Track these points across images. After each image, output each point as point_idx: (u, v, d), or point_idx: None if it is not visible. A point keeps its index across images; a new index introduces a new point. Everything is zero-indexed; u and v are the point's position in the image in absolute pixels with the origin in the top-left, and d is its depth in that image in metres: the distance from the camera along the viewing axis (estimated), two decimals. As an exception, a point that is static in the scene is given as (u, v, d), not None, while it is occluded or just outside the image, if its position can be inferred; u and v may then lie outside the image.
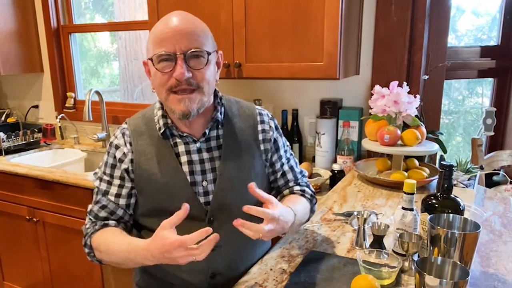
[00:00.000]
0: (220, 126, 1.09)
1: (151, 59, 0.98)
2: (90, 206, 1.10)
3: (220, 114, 1.08)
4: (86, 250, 1.08)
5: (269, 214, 0.89)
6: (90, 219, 1.09)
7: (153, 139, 1.06)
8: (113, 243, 1.01)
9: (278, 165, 1.16)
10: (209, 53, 0.98)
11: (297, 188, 1.17)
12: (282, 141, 1.18)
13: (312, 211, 1.18)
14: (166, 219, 1.02)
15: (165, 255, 0.86)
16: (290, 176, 1.18)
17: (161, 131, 1.05)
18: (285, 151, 1.18)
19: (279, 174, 1.17)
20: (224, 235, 1.07)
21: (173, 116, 1.04)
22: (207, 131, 1.06)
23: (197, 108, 0.99)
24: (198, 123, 1.06)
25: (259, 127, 1.13)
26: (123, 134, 1.08)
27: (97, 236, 1.05)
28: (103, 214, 1.07)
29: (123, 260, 0.98)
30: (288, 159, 1.19)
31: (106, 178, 1.08)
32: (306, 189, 1.19)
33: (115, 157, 1.07)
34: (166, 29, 0.96)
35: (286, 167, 1.17)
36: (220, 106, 1.09)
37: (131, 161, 1.06)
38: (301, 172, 1.22)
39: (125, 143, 1.07)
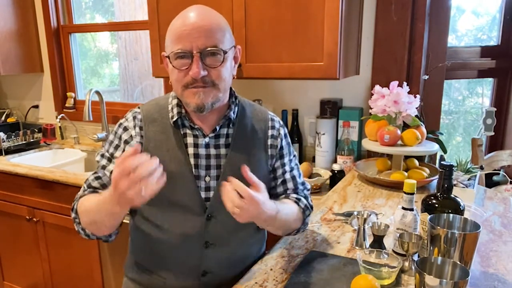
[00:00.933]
0: (231, 125, 1.09)
1: (168, 57, 1.00)
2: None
3: (233, 113, 1.09)
4: (73, 215, 1.08)
5: (249, 193, 0.87)
6: (83, 187, 1.10)
7: (164, 127, 1.06)
8: (94, 199, 1.01)
9: (279, 172, 1.15)
10: (225, 52, 0.99)
11: (293, 195, 1.15)
12: (289, 150, 1.17)
13: (304, 223, 1.14)
14: (166, 209, 1.04)
15: (116, 191, 0.83)
16: (290, 185, 1.15)
17: (174, 119, 1.05)
18: (290, 160, 1.17)
19: (279, 181, 1.15)
20: (221, 234, 1.08)
21: (189, 109, 1.05)
22: (217, 128, 1.07)
23: (211, 102, 1.00)
24: (210, 118, 1.07)
25: (269, 132, 1.13)
26: (134, 118, 1.08)
27: (82, 199, 1.06)
28: (95, 184, 1.08)
29: (99, 213, 0.97)
30: (292, 168, 1.16)
31: (107, 155, 1.09)
32: (302, 199, 1.15)
33: (120, 138, 1.08)
34: (183, 26, 0.96)
35: (287, 176, 1.15)
36: (234, 105, 1.10)
37: (140, 144, 1.06)
38: (303, 183, 1.19)
39: (134, 126, 1.07)
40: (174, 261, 1.09)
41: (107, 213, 0.95)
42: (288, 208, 1.07)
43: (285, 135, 1.17)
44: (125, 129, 1.08)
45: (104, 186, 1.07)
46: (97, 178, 1.08)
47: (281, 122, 1.18)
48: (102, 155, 1.10)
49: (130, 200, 0.83)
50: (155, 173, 0.83)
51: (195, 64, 0.95)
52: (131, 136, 1.07)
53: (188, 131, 1.07)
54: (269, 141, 1.13)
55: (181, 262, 1.09)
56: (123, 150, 1.06)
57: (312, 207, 1.17)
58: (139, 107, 1.11)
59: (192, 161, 1.05)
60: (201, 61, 0.96)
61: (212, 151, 1.07)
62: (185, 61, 0.97)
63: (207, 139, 1.06)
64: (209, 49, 0.96)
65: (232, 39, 1.04)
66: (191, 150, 1.06)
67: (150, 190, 0.82)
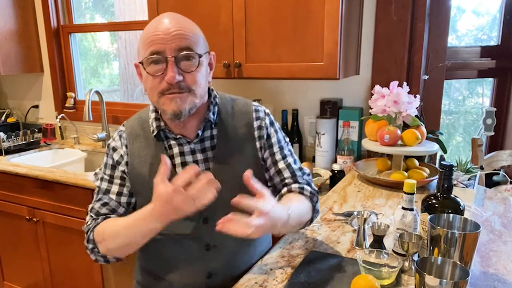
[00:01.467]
0: (213, 126, 1.08)
1: (142, 63, 0.97)
2: (91, 205, 1.10)
3: (213, 114, 1.07)
4: (90, 246, 1.05)
5: (259, 208, 0.85)
6: (91, 216, 1.08)
7: (148, 141, 1.07)
8: (119, 223, 1.00)
9: (270, 162, 1.11)
10: (200, 55, 0.97)
11: (295, 186, 1.10)
12: (278, 137, 1.13)
13: (315, 211, 1.11)
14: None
15: (168, 207, 0.86)
16: (286, 173, 1.11)
17: (154, 133, 1.05)
18: (281, 147, 1.12)
19: (272, 171, 1.11)
20: (219, 236, 1.05)
21: (166, 117, 1.04)
22: (200, 132, 1.06)
23: (188, 108, 0.98)
24: (191, 124, 1.05)
25: (255, 124, 1.10)
26: (120, 137, 1.10)
27: (99, 227, 1.03)
28: (104, 211, 1.07)
29: (133, 235, 0.97)
30: (284, 156, 1.12)
31: (106, 177, 1.09)
32: (306, 186, 1.10)
33: (113, 158, 1.09)
34: (156, 31, 0.94)
35: (281, 164, 1.11)
36: (213, 105, 1.08)
37: (127, 163, 1.07)
38: (300, 169, 1.14)
39: (121, 145, 1.08)
40: (178, 264, 1.09)
41: (144, 232, 0.95)
42: (297, 205, 1.04)
43: (271, 123, 1.13)
44: (114, 149, 1.09)
45: (113, 211, 1.07)
46: (104, 204, 1.07)
47: (267, 111, 1.15)
48: (102, 179, 1.09)
49: (182, 213, 0.86)
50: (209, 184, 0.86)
51: (170, 69, 0.93)
52: (121, 155, 1.08)
53: (172, 141, 1.07)
54: (256, 133, 1.10)
55: (185, 266, 1.08)
56: (119, 170, 1.07)
57: (318, 192, 1.13)
58: (123, 125, 1.12)
59: (180, 170, 1.05)
60: (176, 66, 0.94)
61: (199, 156, 1.06)
62: (160, 66, 0.95)
63: (192, 146, 1.06)
64: (184, 52, 0.94)
65: (206, 45, 1.03)
66: (177, 160, 1.06)
67: (204, 200, 0.86)
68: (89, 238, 1.05)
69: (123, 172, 1.08)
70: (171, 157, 1.06)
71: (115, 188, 1.07)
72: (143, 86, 1.02)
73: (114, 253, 1.04)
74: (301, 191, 1.09)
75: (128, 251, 1.02)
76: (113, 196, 1.07)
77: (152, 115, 1.07)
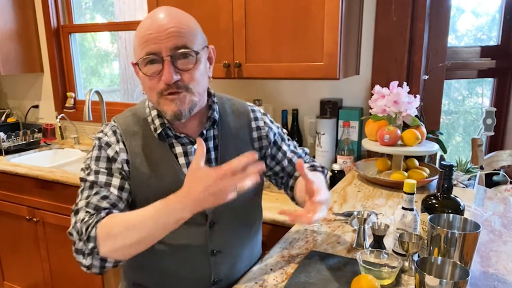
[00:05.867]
0: (215, 126, 1.05)
1: (137, 64, 0.94)
2: (82, 201, 0.94)
3: (216, 113, 1.05)
4: (90, 246, 0.88)
5: (317, 204, 0.90)
6: (87, 212, 0.92)
7: (148, 139, 1.00)
8: (132, 217, 0.88)
9: (280, 155, 1.17)
10: (197, 53, 0.93)
11: (306, 165, 1.18)
12: (279, 132, 1.19)
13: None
14: None
15: (210, 190, 0.81)
16: (295, 159, 1.19)
17: (158, 131, 0.99)
18: (283, 140, 1.19)
19: (285, 162, 1.18)
20: (225, 240, 1.05)
21: (166, 118, 1.00)
22: (204, 132, 1.03)
23: (188, 108, 0.94)
24: (192, 123, 1.02)
25: (253, 124, 1.11)
26: (114, 132, 1.01)
27: (105, 222, 0.89)
28: (105, 205, 0.93)
29: (153, 227, 0.85)
30: (289, 145, 1.20)
31: (104, 170, 0.97)
32: (314, 163, 1.21)
33: (107, 153, 0.99)
34: (150, 30, 0.90)
35: (289, 154, 1.19)
36: (215, 104, 1.06)
37: (127, 162, 0.99)
38: (303, 151, 1.24)
39: (117, 141, 1.00)
40: (182, 275, 1.04)
41: (167, 224, 0.85)
42: (320, 179, 1.11)
43: (271, 121, 1.18)
44: (108, 144, 0.99)
45: (114, 206, 0.95)
46: (104, 198, 0.94)
47: (262, 111, 1.17)
48: (97, 172, 0.97)
49: (220, 199, 0.82)
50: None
51: (166, 68, 0.89)
52: (116, 152, 0.99)
53: (174, 140, 1.02)
54: (255, 134, 1.11)
55: (189, 275, 1.04)
56: (115, 165, 0.98)
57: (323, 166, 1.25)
58: (114, 120, 1.04)
59: (185, 171, 1.00)
60: (173, 65, 0.90)
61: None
62: (156, 66, 0.91)
63: (195, 146, 1.00)
64: (180, 51, 0.90)
65: (204, 39, 0.99)
66: (182, 160, 1.01)
67: (244, 187, 0.82)
68: (90, 235, 0.88)
69: (120, 169, 0.99)
70: (176, 157, 1.01)
71: (116, 182, 0.96)
72: (142, 86, 0.99)
73: (119, 254, 0.89)
74: (315, 168, 1.20)
75: (138, 248, 0.89)
76: (114, 190, 0.96)
77: (154, 112, 1.01)
